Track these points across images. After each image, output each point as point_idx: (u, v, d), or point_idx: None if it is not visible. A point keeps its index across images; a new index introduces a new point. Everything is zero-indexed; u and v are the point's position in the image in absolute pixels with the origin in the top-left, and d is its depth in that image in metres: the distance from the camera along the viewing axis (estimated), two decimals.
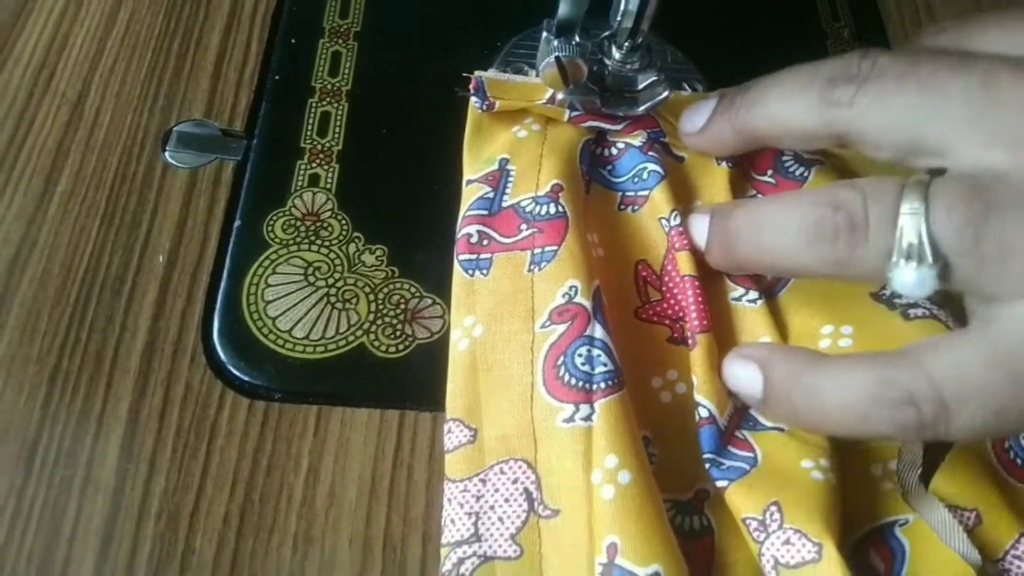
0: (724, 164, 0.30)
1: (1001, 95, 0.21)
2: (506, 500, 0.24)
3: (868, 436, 0.24)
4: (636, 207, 0.30)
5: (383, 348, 0.29)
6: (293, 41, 0.36)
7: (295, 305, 0.29)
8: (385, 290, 0.30)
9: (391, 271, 0.30)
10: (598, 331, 0.25)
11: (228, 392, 0.28)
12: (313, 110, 0.34)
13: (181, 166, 0.33)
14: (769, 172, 0.31)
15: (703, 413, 0.25)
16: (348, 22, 0.37)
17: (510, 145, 0.31)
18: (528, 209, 0.28)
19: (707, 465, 0.24)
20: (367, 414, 0.28)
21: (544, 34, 0.29)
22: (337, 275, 0.30)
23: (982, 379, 0.21)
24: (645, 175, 0.30)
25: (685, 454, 0.25)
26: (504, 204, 0.29)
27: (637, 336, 0.28)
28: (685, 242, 0.28)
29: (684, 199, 0.30)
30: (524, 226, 0.28)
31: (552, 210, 0.28)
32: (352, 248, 0.31)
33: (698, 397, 0.25)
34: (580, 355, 0.25)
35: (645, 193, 0.30)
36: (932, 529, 0.24)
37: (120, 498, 0.26)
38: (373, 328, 0.29)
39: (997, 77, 0.21)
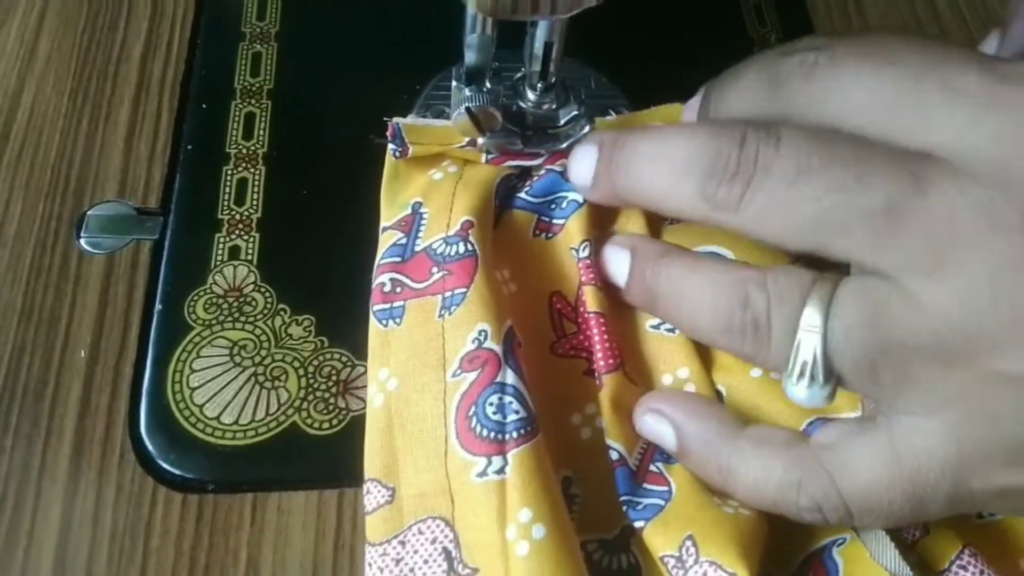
0: None
1: (910, 222, 0.19)
2: (425, 561, 0.23)
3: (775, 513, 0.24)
4: (551, 234, 0.30)
5: (316, 425, 0.28)
6: (204, 106, 0.35)
7: (222, 389, 0.28)
8: (315, 363, 0.29)
9: (320, 342, 0.30)
10: (509, 376, 0.24)
11: (160, 488, 0.27)
12: (229, 177, 0.33)
13: (97, 252, 0.32)
14: None
15: (614, 456, 0.25)
16: (260, 80, 0.36)
17: (424, 188, 0.30)
18: (439, 251, 0.27)
19: (624, 508, 0.24)
20: (304, 497, 0.27)
21: (453, 83, 0.28)
22: (264, 352, 0.29)
23: (885, 496, 0.21)
24: (564, 204, 0.30)
25: (609, 491, 0.25)
26: (417, 248, 0.28)
27: (554, 373, 0.27)
28: (592, 276, 0.27)
29: (598, 226, 0.29)
30: (435, 269, 0.27)
31: (461, 249, 0.27)
32: (278, 321, 0.30)
33: (608, 440, 0.25)
34: (491, 404, 0.24)
35: (561, 222, 0.29)
36: (864, 546, 0.24)
37: None
38: (304, 405, 0.28)
39: (898, 197, 0.19)
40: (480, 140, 0.30)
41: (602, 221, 0.29)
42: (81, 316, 0.30)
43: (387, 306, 0.27)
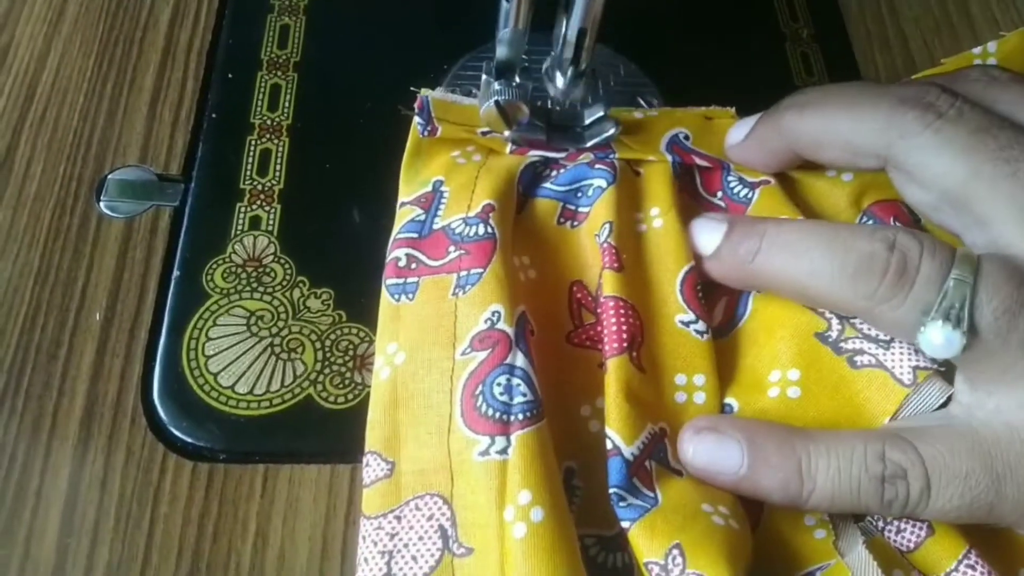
0: (675, 178, 0.29)
1: None
2: (420, 538, 0.23)
3: (850, 509, 0.23)
4: (576, 223, 0.29)
5: (331, 399, 0.28)
6: (230, 76, 0.34)
7: (238, 358, 0.28)
8: (332, 336, 0.29)
9: (338, 316, 0.29)
10: (519, 359, 0.24)
11: (171, 455, 0.27)
12: (252, 148, 0.33)
13: (117, 216, 0.31)
14: (719, 194, 0.30)
15: (609, 444, 0.24)
16: (287, 52, 0.35)
17: (447, 168, 0.29)
18: (458, 231, 0.27)
19: (612, 500, 0.23)
20: (316, 471, 0.27)
21: (484, 76, 0.28)
22: (281, 323, 0.29)
23: (964, 467, 0.22)
24: (590, 191, 0.29)
25: None
26: (435, 227, 0.28)
27: (568, 362, 0.26)
28: (611, 260, 0.27)
29: (623, 211, 0.28)
30: (452, 248, 0.27)
31: (481, 231, 0.26)
32: (296, 293, 0.30)
33: (606, 427, 0.24)
34: (499, 384, 0.23)
35: (586, 209, 0.29)
36: (849, 568, 0.23)
37: (61, 575, 0.25)
38: (320, 378, 0.28)
39: None
40: (506, 132, 0.30)
41: (628, 205, 0.29)
42: (98, 279, 0.30)
43: (400, 281, 0.27)
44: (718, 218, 0.27)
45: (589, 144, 0.30)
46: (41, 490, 0.26)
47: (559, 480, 0.23)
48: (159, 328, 0.29)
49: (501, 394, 0.23)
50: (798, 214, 0.27)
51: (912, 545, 0.24)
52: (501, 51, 0.28)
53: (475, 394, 0.24)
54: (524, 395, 0.23)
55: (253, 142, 0.33)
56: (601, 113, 0.30)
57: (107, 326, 0.29)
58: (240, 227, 0.31)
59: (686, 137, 0.30)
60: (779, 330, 0.26)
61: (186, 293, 0.29)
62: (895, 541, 0.24)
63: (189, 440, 0.27)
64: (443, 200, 0.28)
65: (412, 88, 0.29)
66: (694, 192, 0.30)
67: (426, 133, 0.29)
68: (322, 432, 0.27)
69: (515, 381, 0.24)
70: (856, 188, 0.28)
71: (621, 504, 0.23)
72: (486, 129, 0.29)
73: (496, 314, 0.25)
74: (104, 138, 0.33)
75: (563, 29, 0.30)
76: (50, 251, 0.31)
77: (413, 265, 0.27)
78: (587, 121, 0.30)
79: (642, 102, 0.34)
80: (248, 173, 0.32)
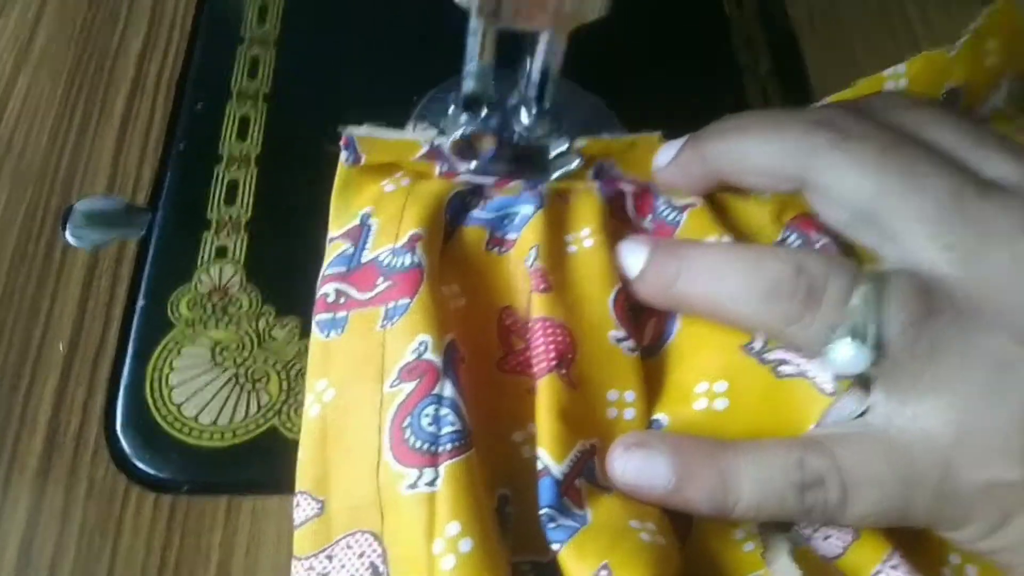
0: (604, 202, 0.30)
1: (967, 209, 0.23)
2: None
3: (775, 516, 0.24)
4: (504, 249, 0.29)
5: (296, 429, 0.28)
6: (199, 106, 0.35)
7: (202, 389, 0.28)
8: (297, 366, 0.29)
9: (303, 345, 0.29)
10: (447, 389, 0.24)
11: (133, 487, 0.27)
12: (220, 178, 0.33)
13: (82, 245, 0.31)
14: (649, 217, 0.31)
15: (540, 465, 0.24)
16: (257, 83, 0.36)
17: (375, 198, 0.29)
18: (385, 262, 0.27)
19: (542, 521, 0.23)
20: (279, 501, 0.27)
21: (451, 108, 0.29)
22: (247, 353, 0.29)
23: (878, 473, 0.22)
24: (516, 219, 0.29)
25: None
26: (364, 260, 0.28)
27: (500, 389, 0.26)
28: (540, 283, 0.27)
29: (552, 234, 0.29)
30: (380, 280, 0.27)
31: (407, 261, 0.26)
32: (262, 323, 0.30)
33: (537, 447, 0.24)
34: (427, 415, 0.23)
35: (514, 236, 0.29)
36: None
37: None
38: (285, 408, 0.28)
39: (966, 191, 0.23)
40: (472, 163, 0.30)
41: (557, 228, 0.29)
42: (62, 308, 0.30)
43: (330, 316, 0.27)
44: (642, 240, 0.28)
45: (554, 176, 0.31)
46: (0, 521, 0.26)
47: (489, 509, 0.23)
48: (123, 358, 0.29)
49: (429, 425, 0.23)
50: (724, 234, 0.28)
51: (839, 551, 0.24)
52: (468, 84, 0.29)
53: (403, 426, 0.24)
54: (452, 424, 0.23)
55: (221, 172, 0.33)
56: (565, 147, 0.31)
57: (70, 356, 0.29)
58: (206, 256, 0.31)
59: (611, 166, 0.31)
60: (705, 345, 0.27)
61: (151, 323, 0.29)
62: (822, 548, 0.24)
63: (151, 471, 0.27)
64: (371, 232, 0.28)
65: (338, 128, 0.29)
66: (624, 217, 0.31)
67: (349, 162, 0.29)
68: (286, 463, 0.27)
69: (443, 411, 0.24)
70: (777, 205, 0.29)
71: (551, 525, 0.23)
72: (417, 156, 0.29)
73: (423, 344, 0.25)
74: (71, 166, 0.33)
75: (527, 67, 0.31)
76: (13, 279, 0.31)
77: (342, 300, 0.27)
78: (552, 154, 0.31)
79: (606, 135, 0.35)
80: (215, 203, 0.32)
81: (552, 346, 0.26)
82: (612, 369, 0.26)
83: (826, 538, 0.25)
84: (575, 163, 0.30)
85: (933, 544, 0.24)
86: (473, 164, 0.30)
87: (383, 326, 0.26)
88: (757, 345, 0.26)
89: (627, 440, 0.25)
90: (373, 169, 0.30)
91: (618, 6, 0.25)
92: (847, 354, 0.22)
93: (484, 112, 0.29)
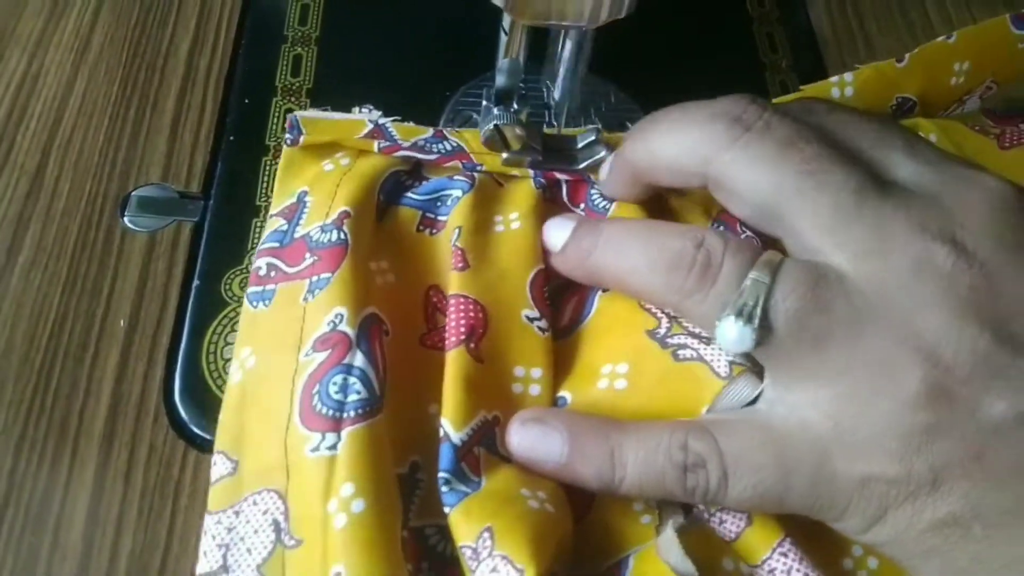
0: (538, 189, 0.31)
1: (864, 207, 0.23)
2: (255, 531, 0.24)
3: (658, 495, 0.24)
4: (435, 231, 0.31)
5: None
6: (247, 100, 0.37)
7: None
8: None
9: None
10: (358, 359, 0.25)
11: (191, 451, 0.29)
12: (268, 168, 0.35)
13: (140, 230, 0.33)
14: (581, 206, 0.32)
15: (441, 432, 0.25)
16: (300, 80, 0.38)
17: (313, 178, 0.31)
18: (315, 238, 0.28)
19: (438, 484, 0.24)
20: None
21: (484, 102, 0.31)
22: None
23: (758, 460, 0.23)
24: (449, 201, 0.31)
25: None
26: (296, 235, 0.29)
27: (420, 363, 0.27)
28: (458, 261, 0.28)
29: (479, 214, 0.30)
30: (308, 255, 0.28)
31: (334, 237, 0.28)
32: None
33: (442, 416, 0.25)
34: (335, 384, 0.25)
35: (445, 218, 0.31)
36: (658, 547, 0.24)
37: (88, 562, 0.27)
38: None
39: (865, 190, 0.23)
40: (504, 155, 0.32)
41: (486, 208, 0.30)
42: (122, 288, 0.32)
43: (260, 289, 0.28)
44: (568, 217, 0.29)
45: (581, 166, 0.32)
46: (69, 483, 0.28)
47: (390, 475, 0.24)
48: (180, 333, 0.31)
49: (336, 392, 0.24)
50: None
51: (733, 535, 0.25)
52: (500, 79, 0.30)
53: (313, 393, 0.25)
54: (359, 393, 0.24)
55: (268, 162, 0.35)
56: (593, 137, 0.32)
57: (131, 332, 0.31)
58: (256, 240, 0.33)
59: None
60: (616, 327, 0.28)
61: (206, 301, 0.31)
62: (719, 532, 0.25)
63: (208, 437, 0.29)
64: (306, 209, 0.30)
65: (288, 113, 0.31)
66: (559, 202, 0.32)
67: (288, 142, 0.31)
68: None
69: (351, 380, 0.25)
70: (706, 197, 0.29)
71: (444, 489, 0.24)
72: (361, 134, 0.31)
73: (339, 316, 0.26)
74: (128, 158, 0.35)
75: (557, 63, 0.32)
76: (77, 262, 0.33)
77: (272, 273, 0.28)
78: (580, 145, 0.33)
79: (629, 126, 0.37)
80: (264, 191, 0.34)
81: (464, 321, 0.27)
82: (522, 346, 0.27)
83: (721, 522, 0.25)
84: (602, 153, 0.32)
85: (838, 535, 0.24)
86: (504, 156, 0.32)
87: (305, 299, 0.27)
88: (662, 330, 0.27)
89: (525, 415, 0.26)
90: (316, 150, 0.31)
91: (643, 4, 0.26)
92: (733, 333, 0.23)
93: (515, 106, 0.31)
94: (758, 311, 0.22)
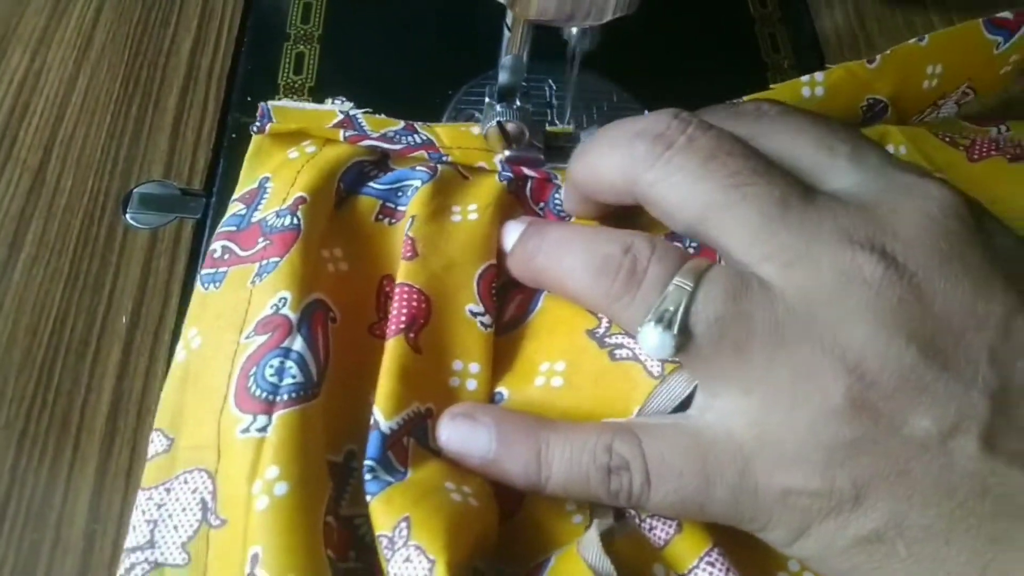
0: (504, 182, 0.31)
1: (790, 217, 0.23)
2: (183, 509, 0.24)
3: (583, 496, 0.24)
4: (393, 220, 0.31)
5: None
6: (249, 99, 0.37)
7: None
8: None
9: None
10: (297, 343, 0.25)
11: None
12: None
13: (142, 227, 0.33)
14: (541, 205, 0.32)
15: (371, 420, 0.25)
16: (303, 78, 0.38)
17: (277, 165, 0.31)
18: (269, 223, 0.28)
19: (363, 472, 0.24)
20: None
21: (487, 100, 0.31)
22: None
23: (680, 466, 0.23)
24: (409, 191, 0.31)
25: None
26: (253, 220, 0.29)
27: (366, 352, 0.27)
28: (407, 250, 0.28)
29: (436, 204, 0.30)
30: (261, 239, 0.28)
31: (287, 222, 0.28)
32: None
33: (374, 405, 0.25)
34: (272, 367, 0.25)
35: (404, 208, 0.31)
36: (577, 544, 0.24)
37: (89, 558, 0.27)
38: None
39: (790, 199, 0.23)
40: (506, 152, 0.32)
41: (444, 199, 0.30)
42: (124, 285, 0.32)
43: (213, 271, 0.28)
44: (525, 220, 0.29)
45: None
46: (71, 478, 0.28)
47: (319, 461, 0.24)
48: (181, 330, 0.31)
49: (272, 375, 0.24)
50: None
51: (662, 542, 0.25)
52: (503, 76, 0.30)
53: (249, 375, 0.25)
54: (294, 377, 0.24)
55: None
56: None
57: (132, 328, 0.31)
58: None
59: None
60: (557, 326, 0.28)
61: None
62: (649, 538, 0.25)
63: None
64: (265, 195, 0.30)
65: (259, 103, 0.32)
66: (522, 197, 0.32)
67: (255, 130, 0.31)
68: None
69: (288, 364, 0.25)
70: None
71: (368, 477, 0.24)
72: (331, 124, 0.31)
73: (283, 300, 0.26)
74: (130, 155, 0.35)
75: (562, 61, 0.32)
76: (79, 259, 0.33)
77: (226, 256, 0.28)
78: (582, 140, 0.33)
79: None
80: None
81: (405, 310, 0.27)
82: (463, 340, 0.27)
83: (651, 528, 0.25)
84: None
85: (770, 547, 0.24)
86: (506, 153, 0.32)
87: (253, 282, 0.27)
88: (601, 329, 0.27)
89: (455, 410, 0.26)
90: (284, 138, 0.31)
91: (646, 4, 0.26)
92: (653, 339, 0.23)
93: (518, 103, 0.31)
94: (678, 317, 0.22)
